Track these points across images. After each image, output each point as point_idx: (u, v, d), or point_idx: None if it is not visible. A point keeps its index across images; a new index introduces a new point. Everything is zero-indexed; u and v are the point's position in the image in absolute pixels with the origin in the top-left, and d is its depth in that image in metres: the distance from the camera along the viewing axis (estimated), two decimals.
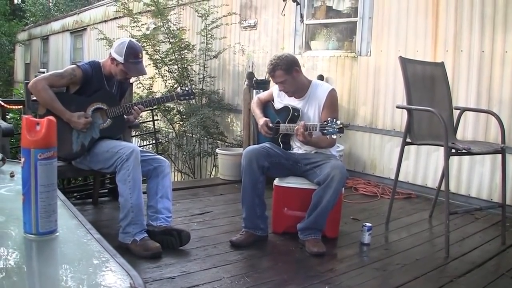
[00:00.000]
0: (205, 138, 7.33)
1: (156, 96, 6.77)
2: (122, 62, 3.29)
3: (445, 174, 3.47)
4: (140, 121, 4.74)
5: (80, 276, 0.99)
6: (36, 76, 3.34)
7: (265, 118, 3.64)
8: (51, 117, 1.16)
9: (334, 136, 3.22)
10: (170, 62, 7.58)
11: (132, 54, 3.30)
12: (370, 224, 3.57)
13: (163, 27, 7.55)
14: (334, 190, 3.24)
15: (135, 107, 3.43)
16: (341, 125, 3.14)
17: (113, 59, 3.33)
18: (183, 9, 8.51)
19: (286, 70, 3.44)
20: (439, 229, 3.94)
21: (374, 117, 5.65)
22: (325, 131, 3.19)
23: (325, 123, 3.19)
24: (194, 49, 7.73)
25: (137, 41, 7.09)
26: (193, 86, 7.46)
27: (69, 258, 1.10)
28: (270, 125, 3.59)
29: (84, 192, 4.82)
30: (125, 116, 3.46)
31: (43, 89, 3.19)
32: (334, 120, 3.16)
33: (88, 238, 1.18)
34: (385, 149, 5.55)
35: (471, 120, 4.69)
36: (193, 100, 7.19)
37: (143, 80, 7.82)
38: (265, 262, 3.26)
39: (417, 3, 5.15)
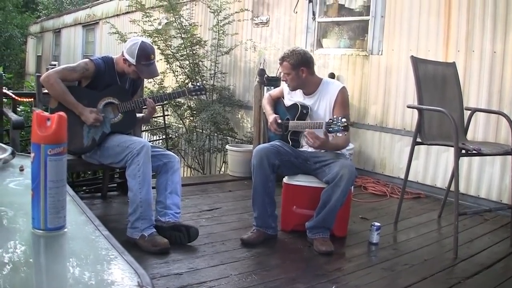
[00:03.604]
0: (215, 134, 7.32)
1: (167, 91, 6.77)
2: (134, 64, 3.30)
3: (455, 174, 3.45)
4: None
5: (88, 273, 1.00)
6: (47, 69, 3.36)
7: (274, 115, 3.64)
8: (62, 113, 1.16)
9: (340, 134, 3.21)
10: (182, 58, 7.58)
11: (144, 56, 3.30)
12: (378, 224, 3.55)
13: (175, 22, 7.55)
14: (343, 189, 3.24)
15: (148, 99, 3.44)
16: (346, 123, 3.15)
17: (125, 59, 3.34)
18: (195, 5, 8.52)
19: (293, 65, 3.45)
20: (447, 230, 3.92)
21: (384, 116, 5.62)
22: (330, 129, 3.20)
23: (331, 121, 3.20)
24: (206, 45, 7.72)
25: (148, 36, 7.18)
26: (204, 81, 7.45)
27: (77, 255, 1.11)
28: (279, 121, 3.59)
29: (93, 186, 4.84)
30: (139, 114, 3.47)
31: (56, 82, 3.21)
32: (340, 118, 3.17)
33: (97, 234, 1.18)
34: (395, 149, 5.52)
35: (482, 121, 4.65)
36: (204, 96, 7.18)
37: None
38: (273, 260, 3.26)
39: (429, 3, 5.12)
